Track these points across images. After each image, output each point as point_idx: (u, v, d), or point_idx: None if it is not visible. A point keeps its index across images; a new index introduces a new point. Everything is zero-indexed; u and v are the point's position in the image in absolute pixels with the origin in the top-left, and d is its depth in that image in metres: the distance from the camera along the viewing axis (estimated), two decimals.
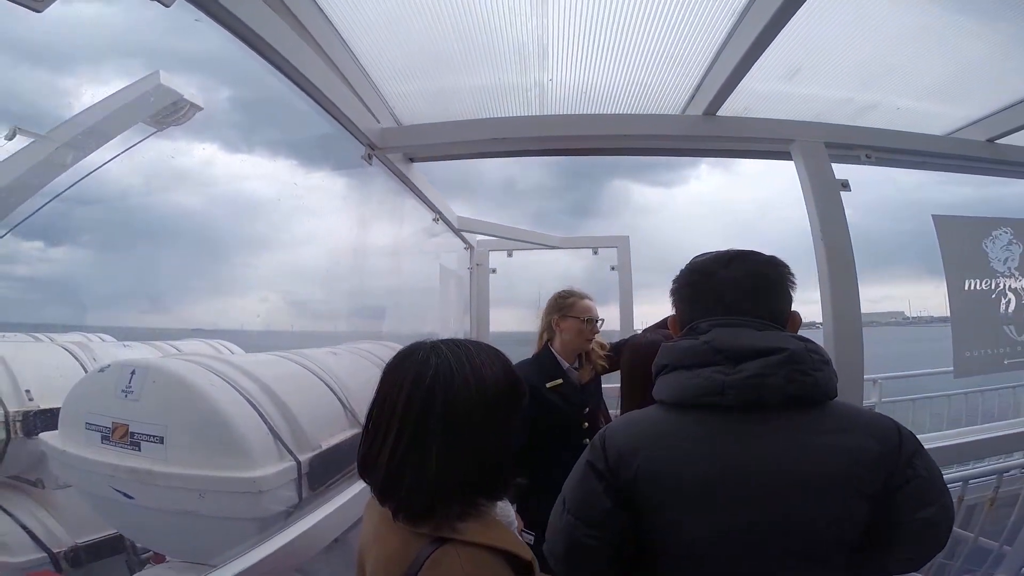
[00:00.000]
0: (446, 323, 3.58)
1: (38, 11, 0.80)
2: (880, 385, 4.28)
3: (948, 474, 2.52)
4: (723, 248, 1.11)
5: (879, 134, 2.12)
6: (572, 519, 0.99)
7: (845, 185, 1.97)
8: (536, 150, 2.25)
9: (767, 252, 1.08)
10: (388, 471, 0.84)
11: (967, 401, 4.73)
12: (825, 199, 1.92)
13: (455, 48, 1.80)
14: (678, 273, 1.13)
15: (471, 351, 0.89)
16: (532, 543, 1.90)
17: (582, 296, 2.33)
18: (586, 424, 2.19)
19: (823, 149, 1.97)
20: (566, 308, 2.29)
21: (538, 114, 2.15)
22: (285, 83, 1.50)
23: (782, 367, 0.91)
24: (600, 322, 2.34)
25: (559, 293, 2.37)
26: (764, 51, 1.55)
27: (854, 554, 0.96)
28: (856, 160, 2.08)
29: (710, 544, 0.93)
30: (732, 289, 1.02)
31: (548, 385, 2.15)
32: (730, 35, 1.63)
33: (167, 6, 1.04)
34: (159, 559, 2.13)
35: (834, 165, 2.01)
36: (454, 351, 0.88)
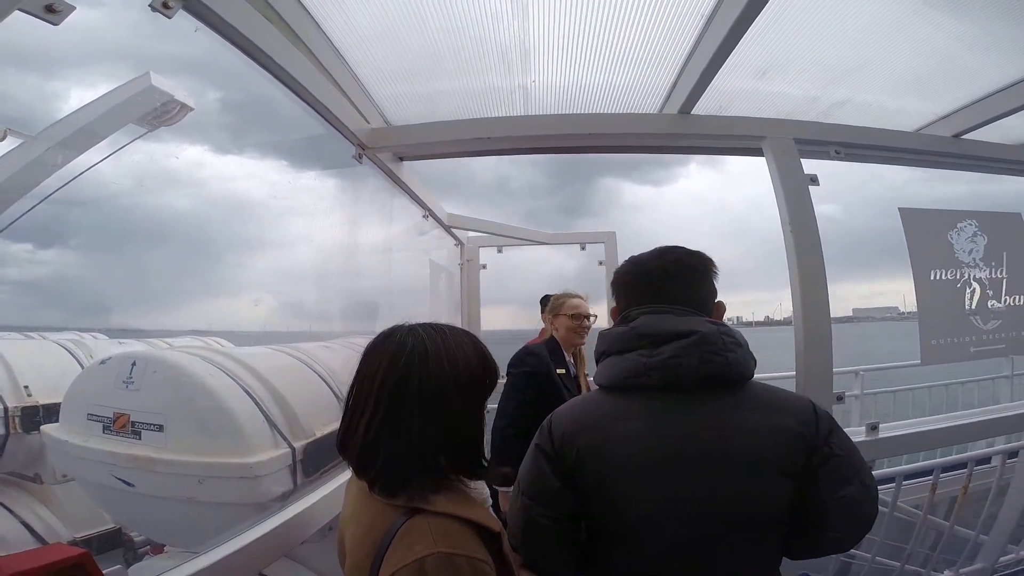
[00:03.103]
0: (437, 320, 3.64)
1: (55, 24, 0.84)
2: (862, 377, 4.39)
3: (920, 463, 2.58)
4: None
5: (848, 130, 2.20)
6: (526, 500, 1.06)
7: (814, 180, 2.06)
8: (520, 149, 2.33)
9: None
10: (364, 444, 0.89)
11: (947, 392, 4.87)
12: (794, 194, 2.01)
13: (442, 52, 1.87)
14: (621, 266, 1.23)
15: (446, 334, 0.95)
16: None
17: (572, 295, 2.54)
18: None
19: (793, 145, 2.06)
20: (557, 307, 2.51)
21: (522, 114, 2.22)
22: (277, 86, 1.56)
23: (695, 348, 1.00)
24: (592, 318, 2.51)
25: (552, 297, 2.59)
26: (732, 51, 1.63)
27: (790, 534, 1.04)
28: (826, 156, 2.18)
29: (645, 520, 1.00)
30: (661, 277, 1.12)
31: (558, 371, 2.32)
32: (700, 36, 1.71)
33: (169, 18, 1.10)
34: (157, 550, 2.18)
35: (805, 161, 2.09)
36: (430, 333, 0.94)
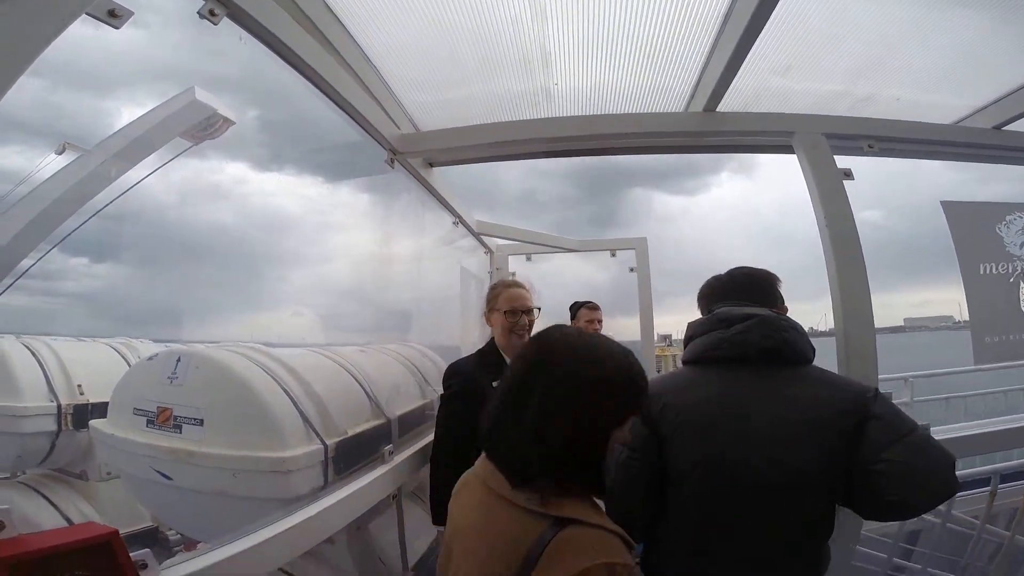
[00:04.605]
0: (467, 326, 3.66)
1: (116, 28, 0.91)
2: (911, 384, 4.17)
3: (976, 469, 2.44)
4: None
5: (881, 124, 2.14)
6: (621, 447, 1.24)
7: (848, 174, 1.99)
8: (547, 152, 2.36)
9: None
10: (491, 424, 0.97)
11: (1006, 399, 4.67)
12: (829, 189, 1.95)
13: (465, 57, 1.92)
14: (702, 284, 1.53)
15: (595, 341, 0.96)
16: None
17: (509, 285, 2.10)
18: None
19: (823, 140, 2.00)
20: (492, 301, 2.10)
21: (545, 117, 2.25)
22: (316, 95, 1.65)
23: (757, 327, 1.26)
24: (532, 312, 2.06)
25: (492, 284, 2.19)
26: (752, 47, 1.63)
27: (853, 495, 1.17)
28: (859, 151, 2.10)
29: (705, 469, 1.19)
30: (733, 283, 1.45)
31: (494, 383, 1.99)
32: (719, 34, 1.71)
33: (215, 24, 1.18)
34: (190, 548, 2.23)
35: (837, 157, 2.02)
36: (578, 336, 0.96)
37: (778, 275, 1.46)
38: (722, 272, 1.50)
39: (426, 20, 1.73)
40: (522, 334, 2.03)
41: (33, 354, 2.47)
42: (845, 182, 1.99)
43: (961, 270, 2.09)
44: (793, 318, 1.34)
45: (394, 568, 2.01)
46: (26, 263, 2.52)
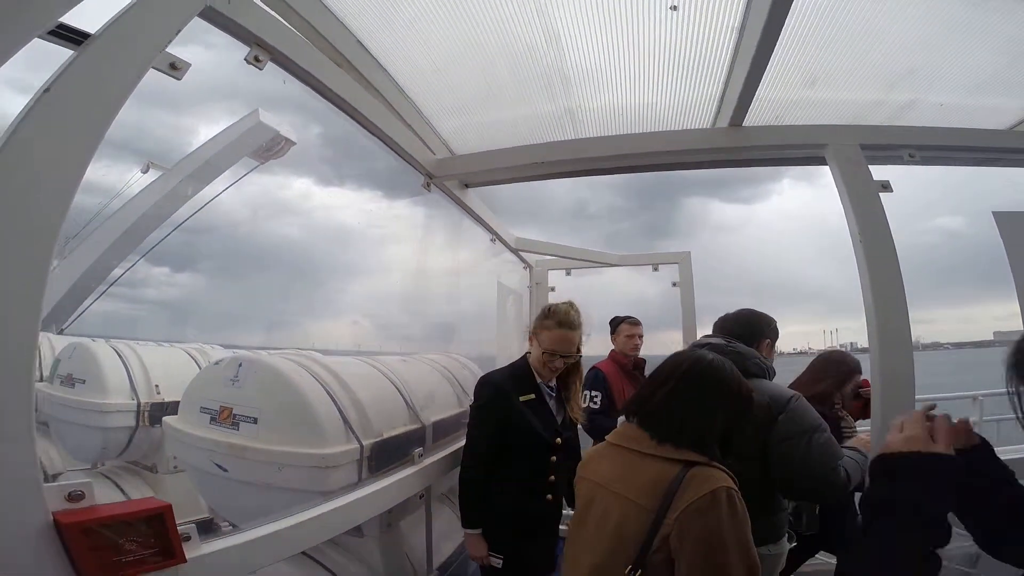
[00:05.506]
0: (505, 340, 3.75)
1: (178, 79, 1.09)
2: (980, 403, 3.80)
3: None
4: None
5: (924, 132, 2.05)
6: None
7: (886, 186, 1.92)
8: (576, 171, 2.43)
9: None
10: (648, 402, 1.34)
11: None
12: (863, 202, 1.89)
13: (491, 84, 2.05)
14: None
15: (735, 372, 1.38)
16: (500, 567, 1.95)
17: (560, 323, 2.05)
18: (554, 457, 1.99)
19: (859, 151, 1.95)
20: (539, 329, 2.10)
21: (572, 138, 2.33)
22: (355, 127, 1.81)
23: (710, 350, 1.57)
24: (572, 358, 2.09)
25: (546, 307, 2.17)
26: (770, 59, 1.63)
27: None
28: (899, 160, 2.03)
29: None
30: (728, 321, 2.00)
31: (521, 398, 2.06)
32: (737, 46, 1.73)
33: (260, 69, 1.35)
34: None
35: (876, 168, 1.96)
36: (730, 368, 1.37)
37: (766, 318, 1.99)
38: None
39: (452, 50, 1.87)
40: (552, 370, 2.09)
41: (119, 356, 2.80)
42: (882, 194, 1.92)
43: (1017, 288, 1.95)
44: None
45: (420, 567, 2.11)
46: (116, 272, 2.87)
